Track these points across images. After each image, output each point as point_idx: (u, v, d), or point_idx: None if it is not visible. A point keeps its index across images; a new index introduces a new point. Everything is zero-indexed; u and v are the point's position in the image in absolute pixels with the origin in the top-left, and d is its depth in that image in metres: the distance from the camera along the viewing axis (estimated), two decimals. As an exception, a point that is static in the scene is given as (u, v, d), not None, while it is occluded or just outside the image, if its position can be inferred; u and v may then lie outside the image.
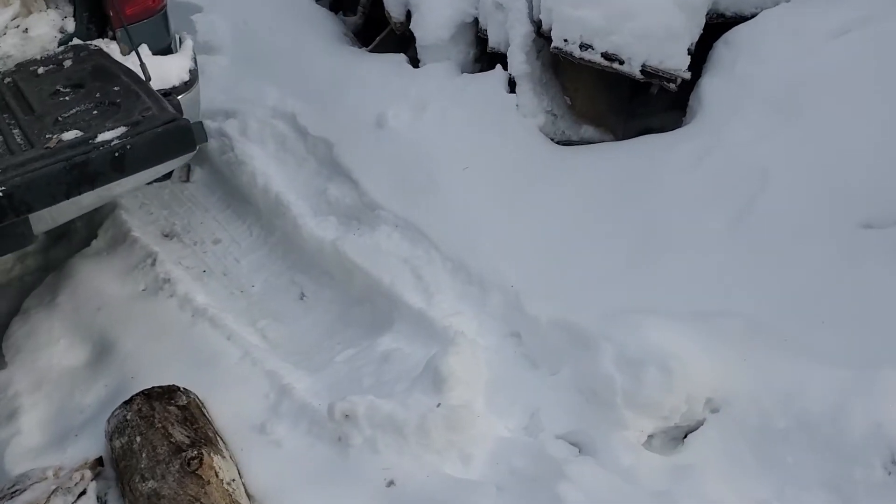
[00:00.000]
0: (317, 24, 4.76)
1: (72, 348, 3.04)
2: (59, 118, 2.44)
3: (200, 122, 2.37)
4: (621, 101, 3.71)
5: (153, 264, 3.37)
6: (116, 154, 2.25)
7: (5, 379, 2.92)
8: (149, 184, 3.39)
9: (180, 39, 3.29)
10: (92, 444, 2.62)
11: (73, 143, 2.28)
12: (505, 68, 3.71)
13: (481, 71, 3.91)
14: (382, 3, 4.39)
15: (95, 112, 2.45)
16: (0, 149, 2.33)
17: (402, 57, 4.18)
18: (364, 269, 3.22)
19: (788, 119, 3.02)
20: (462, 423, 2.50)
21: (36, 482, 2.41)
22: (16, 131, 2.42)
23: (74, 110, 2.47)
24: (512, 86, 3.66)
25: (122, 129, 2.31)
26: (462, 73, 3.93)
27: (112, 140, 2.28)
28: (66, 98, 2.56)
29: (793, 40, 3.19)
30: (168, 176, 3.55)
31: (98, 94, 2.53)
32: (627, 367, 2.51)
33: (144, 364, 2.89)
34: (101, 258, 3.49)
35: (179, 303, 3.17)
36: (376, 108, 3.80)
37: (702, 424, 2.53)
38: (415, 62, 4.13)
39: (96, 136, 2.30)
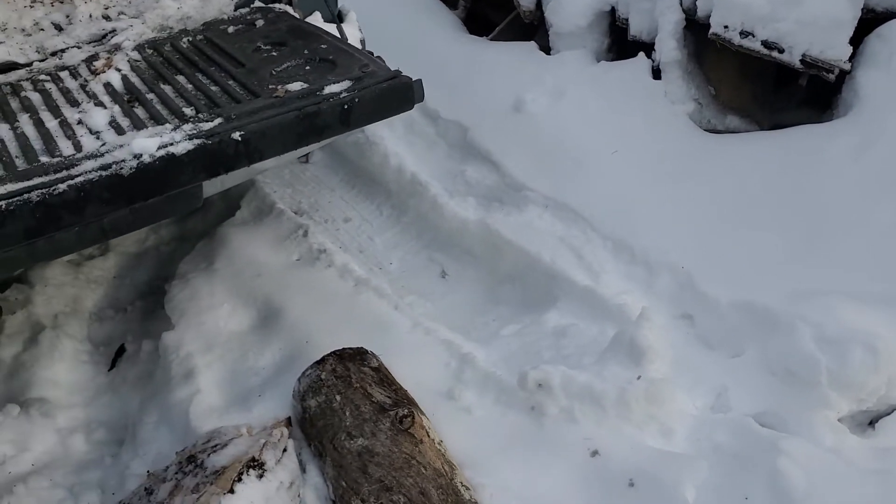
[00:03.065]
0: (432, 12, 4.76)
1: (235, 313, 3.01)
2: (274, 72, 2.42)
3: (420, 80, 2.35)
4: (766, 93, 3.69)
5: (305, 235, 3.36)
6: (345, 107, 2.23)
7: (175, 339, 2.89)
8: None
9: (343, 11, 3.29)
10: (276, 405, 2.58)
11: (301, 94, 2.26)
12: (648, 56, 3.70)
13: (613, 60, 3.91)
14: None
15: (308, 67, 2.43)
16: (223, 97, 2.31)
17: (532, 44, 4.16)
18: (521, 248, 3.21)
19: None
20: (662, 396, 2.46)
21: (233, 438, 2.37)
22: (230, 83, 2.40)
23: (286, 65, 2.45)
24: (656, 74, 3.65)
25: (346, 83, 2.29)
26: (597, 61, 3.92)
27: (340, 93, 2.26)
28: (273, 54, 2.54)
29: (950, 37, 3.19)
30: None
31: (306, 51, 2.51)
32: (829, 346, 2.47)
33: (314, 330, 2.85)
34: (248, 228, 3.47)
35: (339, 273, 3.15)
36: (512, 94, 3.79)
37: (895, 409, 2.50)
38: (545, 50, 4.12)
39: (323, 89, 2.28)
